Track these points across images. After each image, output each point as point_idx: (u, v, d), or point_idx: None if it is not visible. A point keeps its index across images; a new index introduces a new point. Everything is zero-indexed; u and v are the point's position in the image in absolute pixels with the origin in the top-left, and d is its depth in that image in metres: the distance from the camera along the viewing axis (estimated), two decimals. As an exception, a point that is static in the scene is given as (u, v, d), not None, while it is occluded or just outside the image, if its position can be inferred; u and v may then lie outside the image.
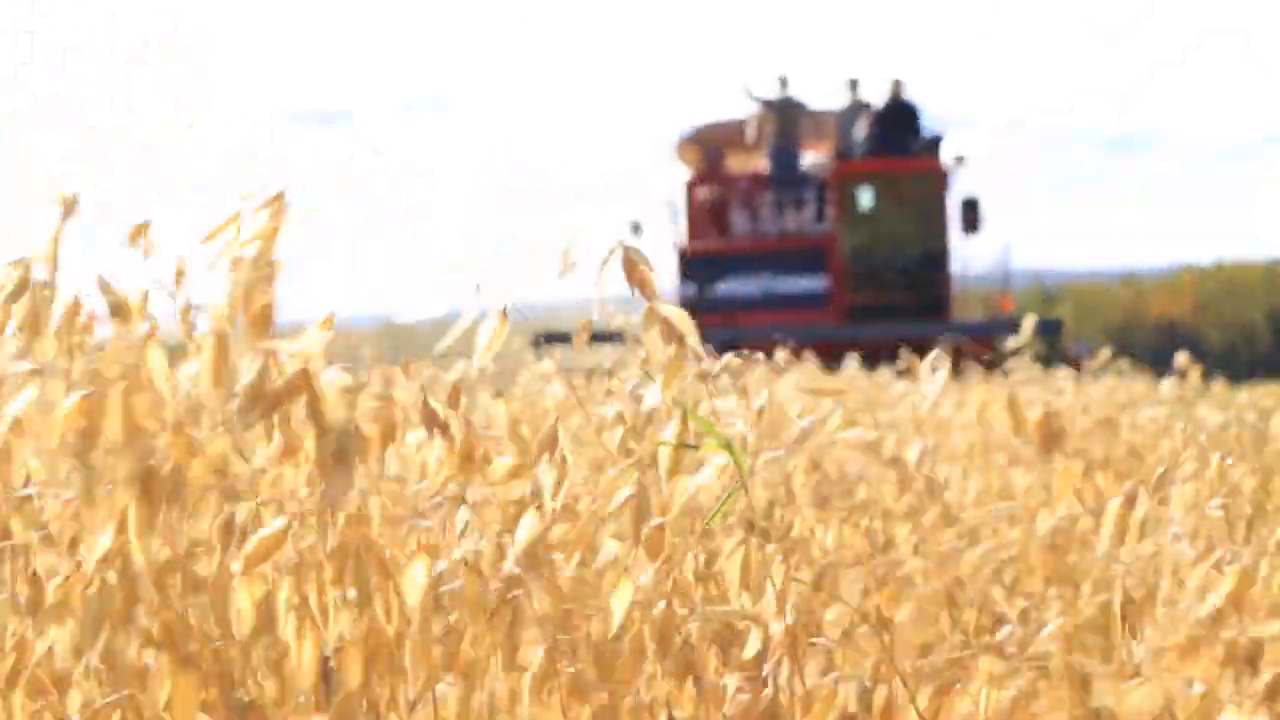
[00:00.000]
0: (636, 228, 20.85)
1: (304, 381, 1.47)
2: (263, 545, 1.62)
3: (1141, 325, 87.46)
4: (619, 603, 1.82)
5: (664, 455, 1.84)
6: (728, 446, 1.86)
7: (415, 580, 1.71)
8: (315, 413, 1.48)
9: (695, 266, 20.45)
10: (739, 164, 22.38)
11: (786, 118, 20.79)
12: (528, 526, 1.81)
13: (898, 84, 20.20)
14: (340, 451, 1.48)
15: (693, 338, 1.67)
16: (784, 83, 20.86)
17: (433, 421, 1.79)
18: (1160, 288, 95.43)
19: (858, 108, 20.31)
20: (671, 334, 1.68)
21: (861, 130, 20.17)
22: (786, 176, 20.68)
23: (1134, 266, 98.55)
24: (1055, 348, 18.60)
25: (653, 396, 1.87)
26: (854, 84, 20.45)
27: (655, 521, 1.86)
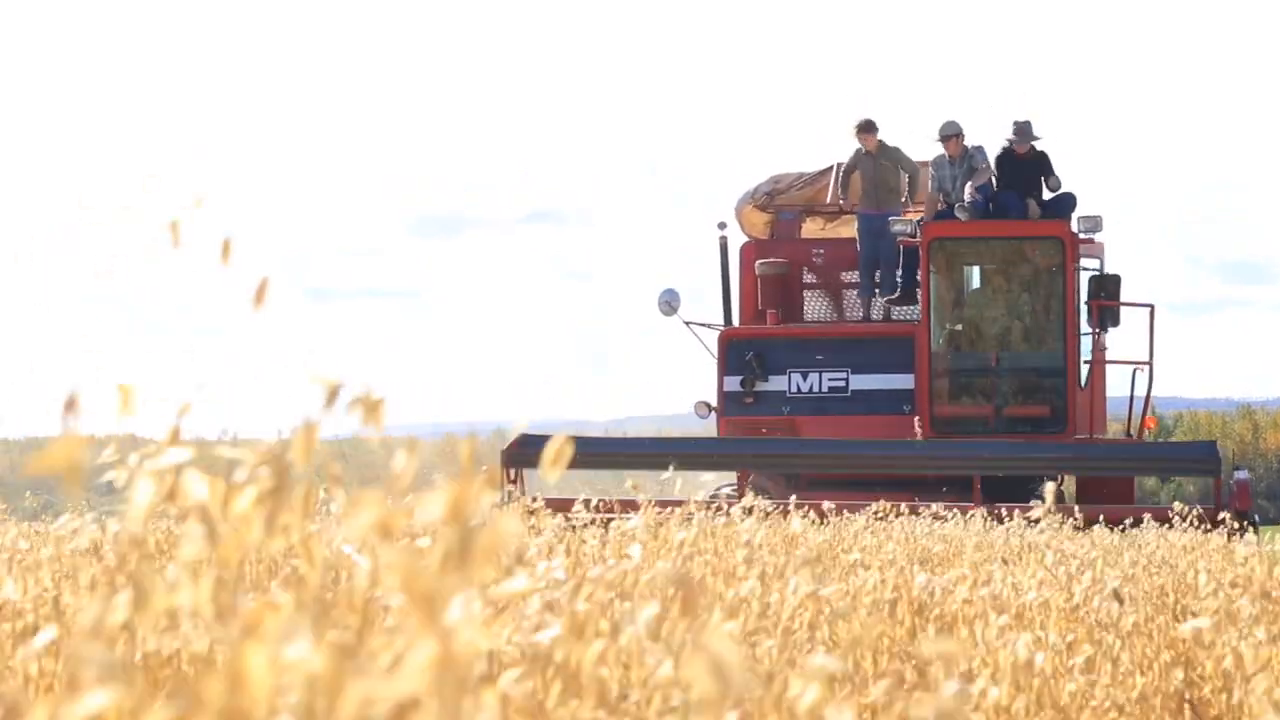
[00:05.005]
0: (670, 304, 16.36)
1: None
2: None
3: (1259, 457, 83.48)
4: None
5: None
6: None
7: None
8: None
9: (741, 354, 15.89)
10: (813, 229, 17.93)
11: (876, 171, 16.31)
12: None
13: (1023, 126, 15.62)
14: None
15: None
16: (870, 128, 16.40)
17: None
18: (1278, 420, 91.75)
19: (965, 156, 15.75)
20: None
21: (967, 184, 15.58)
22: (873, 245, 16.10)
23: (1249, 398, 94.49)
24: (1214, 474, 14.10)
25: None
26: (956, 126, 15.85)
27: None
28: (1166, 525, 10.34)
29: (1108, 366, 16.39)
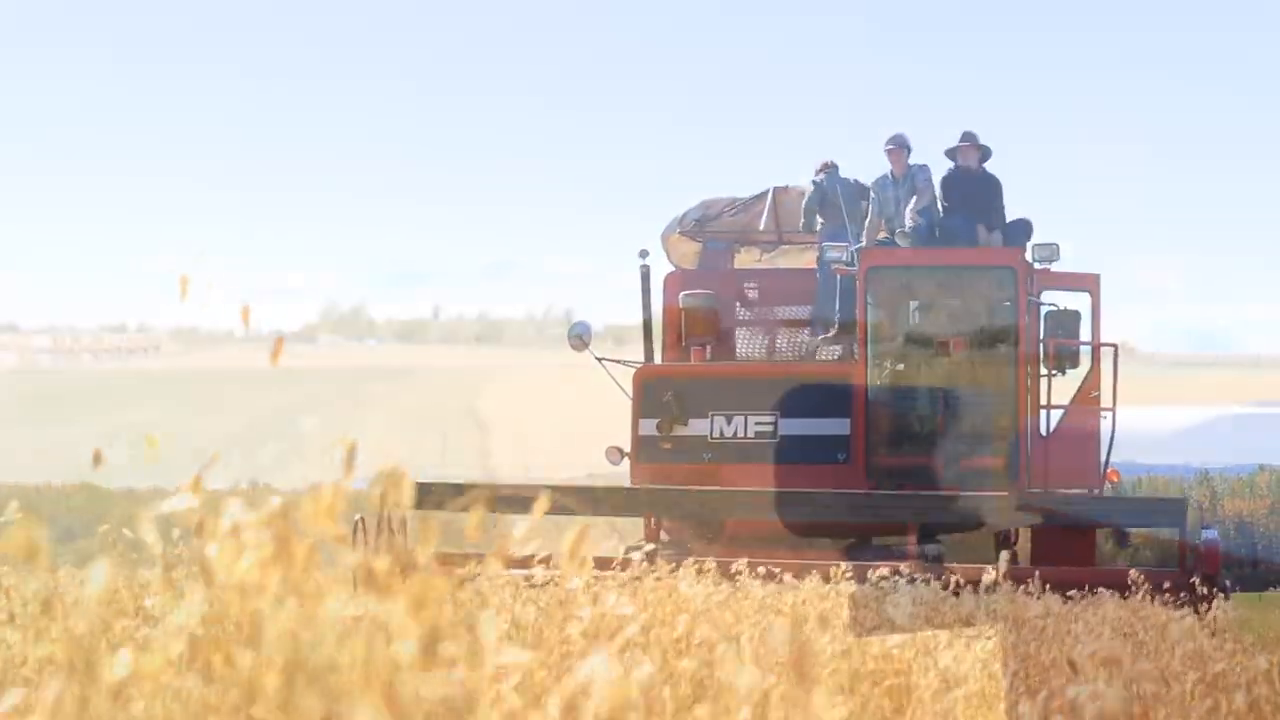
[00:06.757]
0: (581, 338, 14.78)
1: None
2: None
3: (1217, 524, 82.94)
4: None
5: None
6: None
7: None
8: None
9: (659, 394, 14.30)
10: (748, 260, 16.45)
11: (819, 196, 14.87)
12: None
13: (970, 138, 14.17)
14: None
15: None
16: (833, 168, 15.05)
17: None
18: (1236, 487, 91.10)
19: (908, 175, 14.26)
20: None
21: (908, 206, 14.07)
22: (826, 275, 14.57)
23: (1207, 464, 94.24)
24: (1179, 531, 12.61)
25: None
26: (903, 139, 14.35)
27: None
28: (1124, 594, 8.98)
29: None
